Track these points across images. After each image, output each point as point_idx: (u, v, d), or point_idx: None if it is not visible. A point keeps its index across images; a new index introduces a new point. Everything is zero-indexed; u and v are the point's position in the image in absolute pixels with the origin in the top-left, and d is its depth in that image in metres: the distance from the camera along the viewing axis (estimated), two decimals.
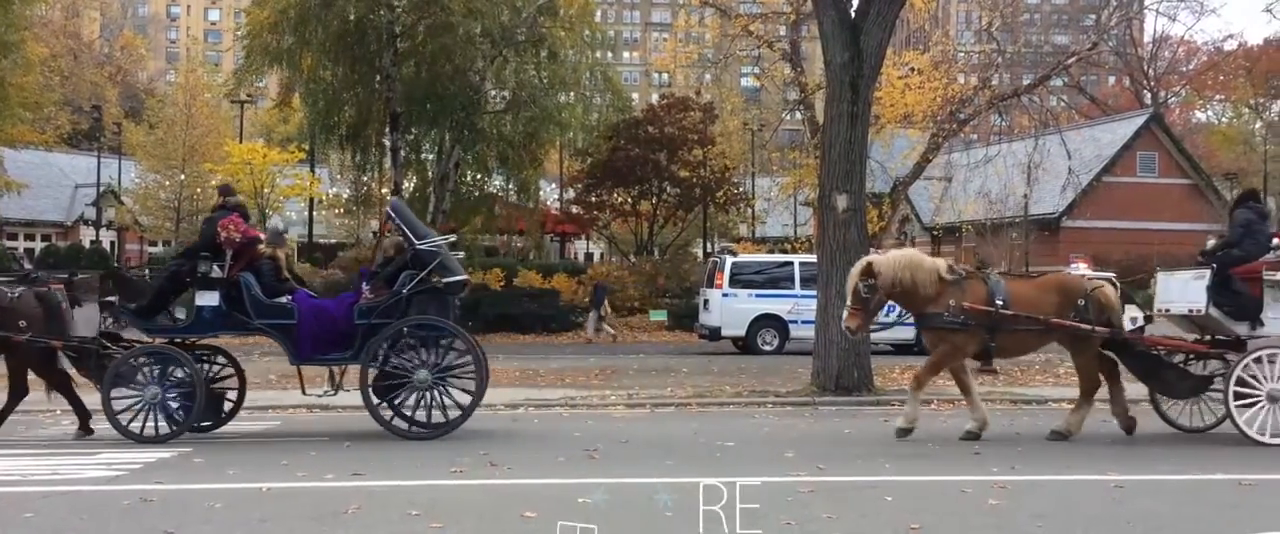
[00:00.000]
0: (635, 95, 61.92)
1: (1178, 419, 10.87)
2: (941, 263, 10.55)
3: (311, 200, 38.34)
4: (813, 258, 20.58)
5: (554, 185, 42.41)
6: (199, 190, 38.99)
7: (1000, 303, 10.08)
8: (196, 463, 8.94)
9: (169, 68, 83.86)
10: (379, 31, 28.01)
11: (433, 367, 10.26)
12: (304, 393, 11.01)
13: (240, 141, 37.50)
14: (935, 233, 43.05)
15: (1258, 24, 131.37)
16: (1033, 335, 10.38)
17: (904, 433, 10.09)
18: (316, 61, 28.52)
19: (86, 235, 43.02)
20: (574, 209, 39.31)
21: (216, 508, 6.98)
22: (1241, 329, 10.17)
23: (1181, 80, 56.27)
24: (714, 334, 23.35)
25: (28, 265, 31.67)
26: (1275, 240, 10.25)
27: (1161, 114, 44.93)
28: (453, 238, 10.97)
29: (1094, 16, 48.33)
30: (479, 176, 32.34)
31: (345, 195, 39.93)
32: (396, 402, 10.52)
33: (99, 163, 41.21)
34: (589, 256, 48.98)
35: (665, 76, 61.62)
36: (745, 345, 22.88)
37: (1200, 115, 62.20)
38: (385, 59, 28.35)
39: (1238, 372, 9.77)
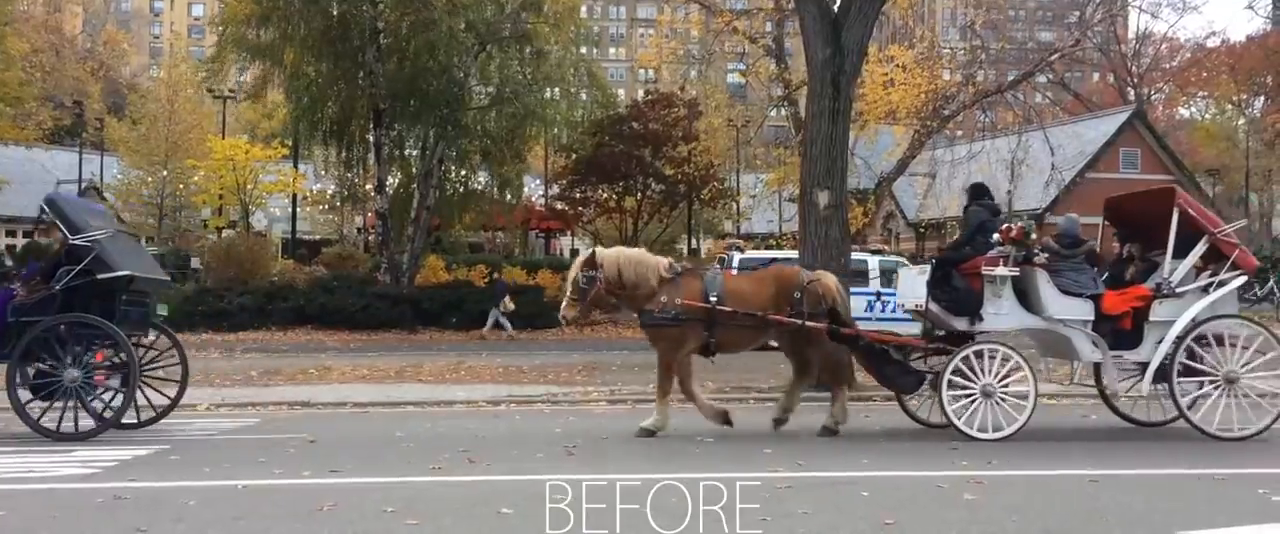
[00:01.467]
0: (622, 92, 61.92)
1: (918, 412, 10.94)
2: (664, 261, 10.53)
3: (295, 196, 38.19)
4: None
5: (539, 181, 42.37)
6: (181, 186, 38.84)
7: (714, 299, 10.06)
8: (173, 460, 8.90)
9: (152, 63, 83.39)
10: (362, 27, 27.88)
11: (86, 365, 10.13)
12: None
13: (222, 137, 37.29)
14: (920, 229, 43.20)
15: (1240, 21, 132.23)
16: (750, 330, 10.35)
17: (648, 434, 10.00)
18: (299, 57, 28.37)
19: None
20: (559, 205, 39.29)
21: (190, 505, 6.94)
22: (962, 324, 10.22)
23: (1165, 77, 56.58)
24: None
25: (9, 262, 31.46)
26: (997, 236, 10.26)
27: (1144, 110, 45.16)
28: (111, 231, 10.76)
29: (1078, 13, 48.50)
30: (463, 173, 32.24)
31: (330, 191, 39.79)
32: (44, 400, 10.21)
33: (81, 159, 40.96)
34: (575, 252, 48.94)
35: (651, 73, 61.61)
36: None
37: (1184, 111, 62.56)
38: (368, 55, 28.22)
39: (955, 363, 9.85)
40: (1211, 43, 55.54)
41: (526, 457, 8.91)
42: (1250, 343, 10.14)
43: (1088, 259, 10.43)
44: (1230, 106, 57.94)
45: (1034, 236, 10.31)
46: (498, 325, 27.20)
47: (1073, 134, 38.17)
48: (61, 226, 10.25)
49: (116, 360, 10.40)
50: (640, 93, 46.43)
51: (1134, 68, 54.41)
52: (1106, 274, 10.90)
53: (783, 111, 31.62)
